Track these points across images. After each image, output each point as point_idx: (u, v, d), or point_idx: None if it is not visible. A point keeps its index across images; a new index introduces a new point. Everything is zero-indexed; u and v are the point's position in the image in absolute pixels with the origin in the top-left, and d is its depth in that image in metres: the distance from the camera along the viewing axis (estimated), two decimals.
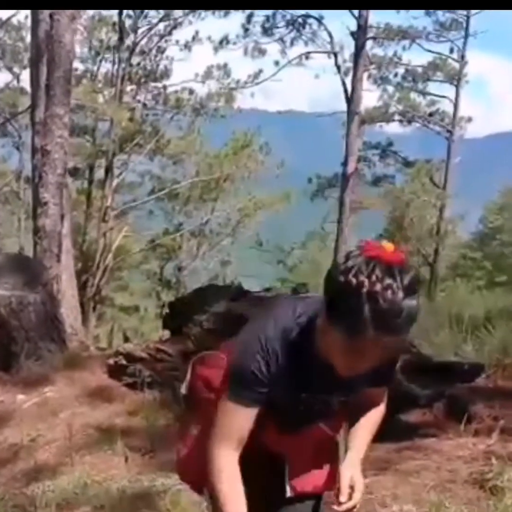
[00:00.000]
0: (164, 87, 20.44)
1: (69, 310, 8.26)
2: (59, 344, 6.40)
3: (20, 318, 6.13)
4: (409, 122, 22.37)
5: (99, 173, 20.48)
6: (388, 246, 1.59)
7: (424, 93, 22.02)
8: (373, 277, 1.53)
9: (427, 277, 24.21)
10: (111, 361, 6.03)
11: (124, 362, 5.91)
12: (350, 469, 1.93)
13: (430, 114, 21.93)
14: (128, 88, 19.87)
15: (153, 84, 20.51)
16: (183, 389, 2.16)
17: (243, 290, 6.02)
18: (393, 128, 25.01)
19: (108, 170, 18.76)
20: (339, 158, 20.84)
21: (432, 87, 22.61)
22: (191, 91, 20.39)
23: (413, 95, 22.09)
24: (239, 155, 20.73)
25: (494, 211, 26.60)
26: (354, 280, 1.53)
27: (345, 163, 18.71)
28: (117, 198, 20.39)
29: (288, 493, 1.97)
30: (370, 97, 36.41)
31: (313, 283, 27.99)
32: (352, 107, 18.38)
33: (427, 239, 24.36)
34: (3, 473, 4.69)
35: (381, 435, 4.90)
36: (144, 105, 20.41)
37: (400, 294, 1.53)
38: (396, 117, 22.26)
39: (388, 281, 1.53)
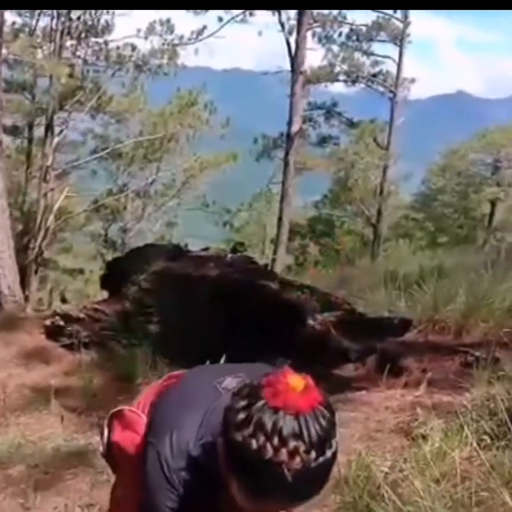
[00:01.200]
0: (106, 43, 19.80)
1: (7, 271, 8.11)
2: None
3: None
4: (354, 82, 22.38)
5: (39, 131, 19.89)
6: (296, 383, 1.33)
7: (368, 54, 22.01)
8: (276, 440, 1.27)
9: (370, 237, 24.63)
10: (48, 322, 5.98)
11: (61, 323, 5.88)
12: None
13: (374, 75, 21.98)
14: (68, 43, 19.19)
15: (94, 39, 19.85)
16: (100, 448, 1.94)
17: (180, 249, 6.01)
18: (338, 88, 24.99)
19: (48, 128, 18.19)
20: (285, 117, 20.77)
21: (376, 47, 22.61)
22: (133, 47, 19.83)
23: (357, 54, 22.06)
24: (183, 113, 20.40)
25: (436, 172, 27.03)
26: (254, 443, 1.28)
27: (289, 123, 18.65)
28: (58, 157, 19.85)
29: None
30: (314, 56, 36.31)
31: (257, 243, 28.09)
32: (296, 66, 18.26)
33: (370, 199, 24.64)
34: None
35: None
36: (85, 61, 19.78)
37: (311, 456, 1.29)
38: (341, 77, 22.23)
39: (294, 443, 1.28)
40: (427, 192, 27.80)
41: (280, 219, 18.21)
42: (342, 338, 4.73)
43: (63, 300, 9.25)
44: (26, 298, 16.19)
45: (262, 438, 1.28)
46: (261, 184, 27.85)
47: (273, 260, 17.56)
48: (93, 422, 4.58)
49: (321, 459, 1.30)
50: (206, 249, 6.31)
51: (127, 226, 21.50)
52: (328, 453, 1.31)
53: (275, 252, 18.55)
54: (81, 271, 22.27)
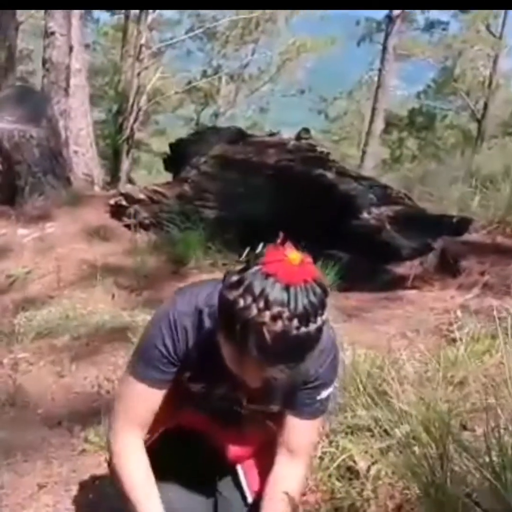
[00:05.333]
0: None
1: (84, 149, 8.22)
2: (62, 181, 6.41)
3: (23, 152, 6.12)
4: None
5: None
6: (293, 258, 1.35)
7: None
8: (261, 303, 1.31)
9: (474, 133, 23.32)
10: (112, 202, 6.05)
11: (124, 203, 5.93)
12: None
13: None
14: None
15: None
16: None
17: (243, 133, 5.83)
18: None
19: None
20: None
21: None
22: None
23: None
24: None
25: None
26: (241, 302, 1.33)
27: None
28: (154, 36, 19.62)
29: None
30: None
31: (354, 134, 27.31)
32: None
33: (477, 92, 23.13)
34: None
35: (364, 285, 4.91)
36: None
37: (293, 323, 1.32)
38: None
39: (278, 308, 1.31)
40: None
41: (374, 108, 17.44)
42: (397, 234, 4.51)
43: (130, 181, 9.34)
44: (118, 179, 16.60)
45: (249, 299, 1.32)
46: (363, 72, 26.67)
47: (363, 152, 17.01)
48: (141, 301, 4.68)
49: (303, 329, 1.32)
50: (272, 134, 6.10)
51: (220, 110, 21.26)
52: (311, 327, 1.34)
53: (366, 144, 17.91)
54: None
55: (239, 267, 1.39)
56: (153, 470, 1.68)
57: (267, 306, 1.31)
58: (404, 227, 4.59)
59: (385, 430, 2.17)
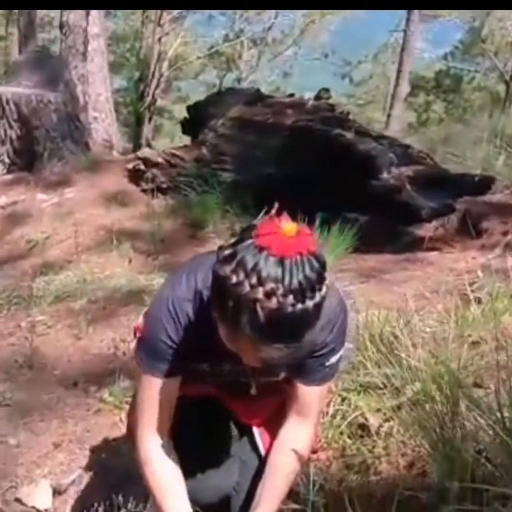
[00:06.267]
0: None
1: (103, 114, 8.18)
2: (81, 146, 6.39)
3: (41, 117, 6.09)
4: None
5: None
6: (288, 229, 1.27)
7: None
8: (254, 279, 1.23)
9: (502, 95, 22.80)
10: (130, 166, 6.01)
11: (142, 167, 5.89)
12: None
13: None
14: None
15: None
16: None
17: (261, 94, 5.74)
18: None
19: None
20: None
21: None
22: None
23: None
24: None
25: None
26: (233, 278, 1.25)
27: None
28: None
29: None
30: None
31: (379, 98, 26.87)
32: None
33: (506, 53, 22.55)
34: (16, 266, 4.91)
35: (383, 246, 4.83)
36: None
37: (288, 300, 1.24)
38: None
39: (272, 284, 1.23)
40: None
41: (399, 71, 17.05)
42: (417, 195, 4.41)
43: (149, 146, 9.28)
44: (139, 146, 16.54)
45: (241, 275, 1.24)
46: (388, 34, 26.11)
47: (389, 115, 16.73)
48: (157, 264, 4.67)
49: (299, 306, 1.24)
50: (291, 95, 5.99)
51: (242, 75, 21.02)
52: (308, 303, 1.25)
53: (391, 107, 17.58)
54: None
55: (232, 240, 1.31)
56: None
57: (260, 282, 1.23)
58: (424, 187, 4.49)
59: (398, 388, 2.13)
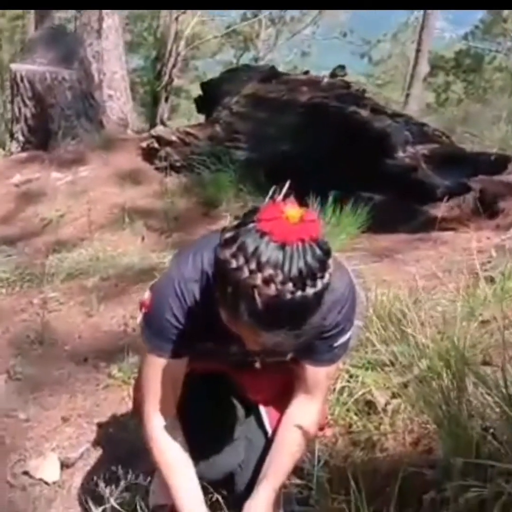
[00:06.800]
0: None
1: (119, 93, 8.14)
2: (95, 125, 6.38)
3: (56, 95, 6.09)
4: None
5: None
6: (291, 215, 1.24)
7: None
8: (253, 264, 1.21)
9: None
10: (143, 144, 6.00)
11: (156, 145, 5.87)
12: None
13: None
14: None
15: None
16: None
17: (276, 71, 5.67)
18: None
19: None
20: None
21: None
22: None
23: None
24: None
25: None
26: (233, 262, 1.23)
27: None
28: None
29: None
30: None
31: (398, 78, 26.56)
32: None
33: None
34: (30, 244, 4.93)
35: (397, 226, 4.78)
36: None
37: (287, 287, 1.21)
38: None
39: (271, 271, 1.20)
40: None
41: (418, 50, 16.82)
42: (432, 174, 4.35)
43: (163, 124, 9.22)
44: (155, 126, 16.51)
45: (241, 260, 1.22)
46: (408, 13, 25.74)
47: (407, 95, 16.52)
48: (170, 243, 4.66)
49: (299, 293, 1.22)
50: (306, 72, 5.92)
51: (259, 55, 20.84)
52: (309, 291, 1.23)
53: (409, 86, 17.36)
54: None
55: (235, 222, 1.29)
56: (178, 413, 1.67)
57: (259, 268, 1.21)
58: (440, 166, 4.42)
59: (405, 365, 2.11)
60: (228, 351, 1.62)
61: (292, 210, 1.25)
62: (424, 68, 17.56)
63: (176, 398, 1.65)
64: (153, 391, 1.63)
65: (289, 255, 1.21)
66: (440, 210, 4.80)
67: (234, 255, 1.23)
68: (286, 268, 1.21)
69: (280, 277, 1.21)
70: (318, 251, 1.23)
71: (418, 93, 17.78)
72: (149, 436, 1.65)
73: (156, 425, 1.64)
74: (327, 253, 1.26)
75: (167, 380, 1.61)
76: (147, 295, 1.73)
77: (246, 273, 1.22)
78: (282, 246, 1.21)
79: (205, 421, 1.74)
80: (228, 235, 1.26)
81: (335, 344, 1.56)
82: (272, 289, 1.21)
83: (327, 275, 1.25)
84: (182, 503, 1.61)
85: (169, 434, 1.64)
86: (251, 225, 1.24)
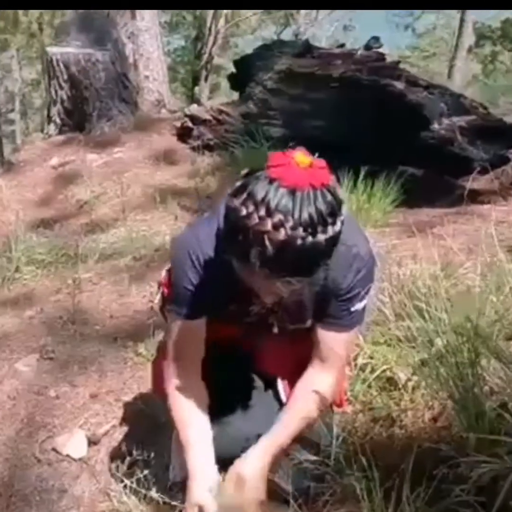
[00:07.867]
0: None
1: (155, 73, 8.12)
2: (130, 106, 6.40)
3: (90, 77, 6.12)
4: None
5: None
6: (300, 160, 1.24)
7: None
8: (263, 210, 1.21)
9: None
10: (178, 124, 6.00)
11: (190, 124, 5.86)
12: (245, 466, 1.62)
13: None
14: None
15: None
16: (156, 301, 2.01)
17: (310, 46, 5.58)
18: None
19: None
20: None
21: None
22: None
23: None
24: None
25: None
26: (243, 210, 1.23)
27: None
28: None
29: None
30: None
31: (444, 50, 25.93)
32: None
33: None
34: (66, 225, 5.00)
35: (434, 199, 4.68)
36: None
37: (298, 233, 1.22)
38: None
39: (280, 216, 1.21)
40: None
41: (462, 20, 16.38)
42: (469, 146, 4.23)
43: (198, 103, 9.17)
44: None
45: (251, 207, 1.24)
46: None
47: (451, 66, 16.13)
48: None
49: (309, 239, 1.23)
50: (341, 45, 5.81)
51: (300, 30, 20.58)
52: (320, 237, 1.24)
53: (453, 58, 16.94)
54: None
55: (244, 171, 1.31)
56: None
57: (269, 214, 1.22)
58: (477, 138, 4.30)
59: (428, 341, 2.06)
60: (247, 311, 1.62)
61: (302, 156, 1.25)
62: (468, 39, 17.10)
63: (199, 359, 1.67)
64: (176, 353, 1.66)
65: (299, 201, 1.22)
66: (477, 183, 4.68)
67: (243, 203, 1.24)
68: (296, 213, 1.21)
69: (290, 223, 1.21)
70: (329, 197, 1.24)
71: (463, 65, 17.32)
72: (169, 393, 1.68)
73: (177, 384, 1.66)
74: (339, 201, 1.26)
75: (189, 342, 1.64)
76: (164, 274, 1.74)
77: (255, 219, 1.22)
78: (292, 192, 1.22)
79: (223, 393, 1.74)
80: (238, 184, 1.28)
81: (352, 308, 1.55)
82: (282, 234, 1.21)
83: (338, 222, 1.26)
84: (190, 459, 1.63)
85: (188, 389, 1.66)
86: (260, 173, 1.25)
